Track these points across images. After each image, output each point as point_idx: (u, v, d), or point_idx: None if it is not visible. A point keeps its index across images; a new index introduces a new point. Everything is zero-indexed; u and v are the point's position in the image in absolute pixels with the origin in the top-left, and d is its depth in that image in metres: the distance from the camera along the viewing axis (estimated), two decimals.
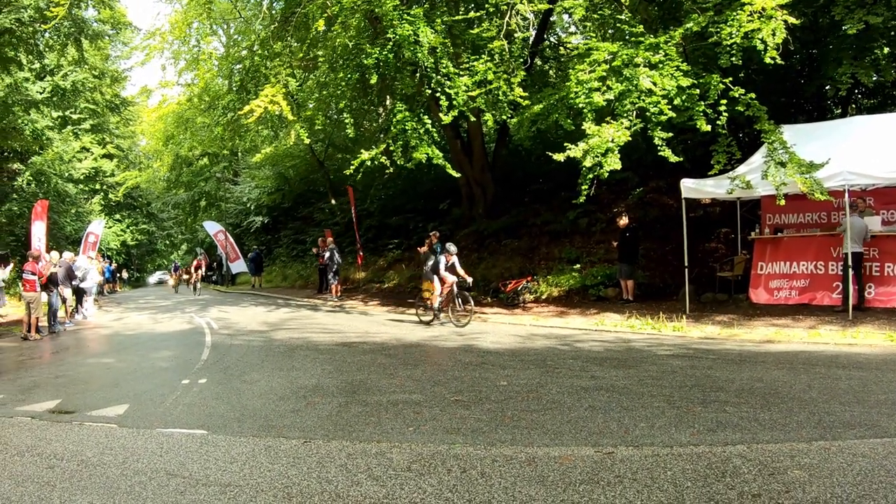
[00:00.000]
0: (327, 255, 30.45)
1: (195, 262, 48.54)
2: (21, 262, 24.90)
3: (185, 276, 66.58)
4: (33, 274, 20.76)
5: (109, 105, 53.17)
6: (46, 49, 34.93)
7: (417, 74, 20.83)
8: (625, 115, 17.00)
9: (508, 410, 9.19)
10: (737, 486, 6.03)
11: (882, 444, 7.13)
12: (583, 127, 17.22)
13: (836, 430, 7.71)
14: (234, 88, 26.76)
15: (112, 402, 10.72)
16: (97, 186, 62.84)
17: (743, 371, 11.48)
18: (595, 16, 19.89)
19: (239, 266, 50.05)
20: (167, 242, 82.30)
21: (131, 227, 67.76)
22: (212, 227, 53.17)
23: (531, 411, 9.10)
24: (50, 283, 22.34)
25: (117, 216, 65.99)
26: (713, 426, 8.03)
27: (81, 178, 58.86)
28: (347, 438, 8.10)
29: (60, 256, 23.86)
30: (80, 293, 25.39)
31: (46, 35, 31.96)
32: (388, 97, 28.95)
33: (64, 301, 24.31)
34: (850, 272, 16.58)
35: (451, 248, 20.18)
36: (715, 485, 6.10)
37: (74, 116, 56.89)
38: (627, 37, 18.21)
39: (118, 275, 58.76)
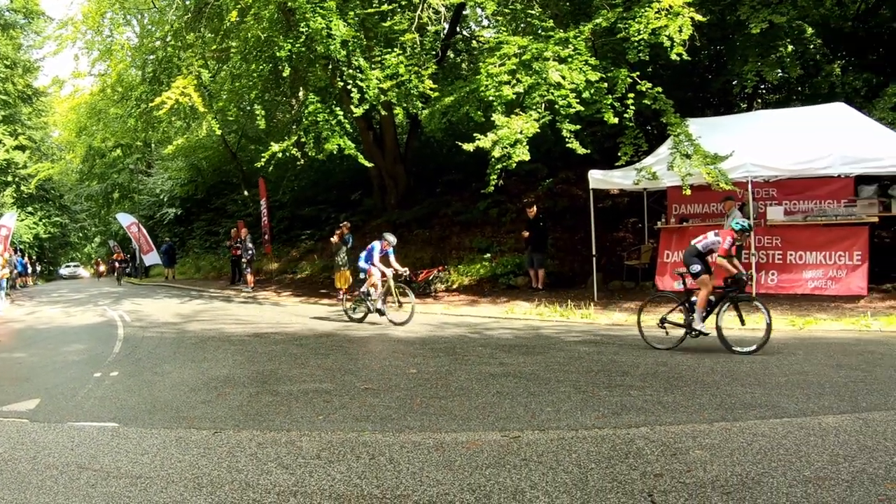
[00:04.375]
0: (240, 245, 30.30)
1: (117, 255, 47.70)
2: None
3: (102, 269, 65.97)
4: None
5: (21, 95, 52.17)
6: None
7: (330, 67, 20.86)
8: (534, 107, 17.21)
9: (417, 397, 9.34)
10: (640, 467, 6.22)
11: (781, 424, 7.42)
12: (492, 119, 17.39)
13: (738, 411, 8.00)
14: (147, 79, 26.46)
15: (23, 396, 10.60)
16: (9, 178, 61.43)
17: (648, 356, 11.75)
18: (507, 10, 20.09)
19: (152, 258, 49.33)
20: (80, 235, 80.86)
21: (44, 220, 66.28)
22: (125, 220, 52.33)
23: (440, 398, 9.26)
24: None
25: (29, 209, 64.54)
26: (618, 409, 8.24)
27: None
28: (258, 428, 8.17)
29: None
30: None
31: None
32: (300, 89, 28.84)
33: None
34: (751, 261, 17.07)
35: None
36: (618, 465, 6.28)
37: None
38: (538, 31, 18.42)
39: (31, 268, 57.70)
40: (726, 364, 10.80)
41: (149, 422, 8.76)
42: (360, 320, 18.42)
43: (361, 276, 18.63)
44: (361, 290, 18.10)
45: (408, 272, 19.15)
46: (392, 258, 18.11)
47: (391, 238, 18.08)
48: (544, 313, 17.69)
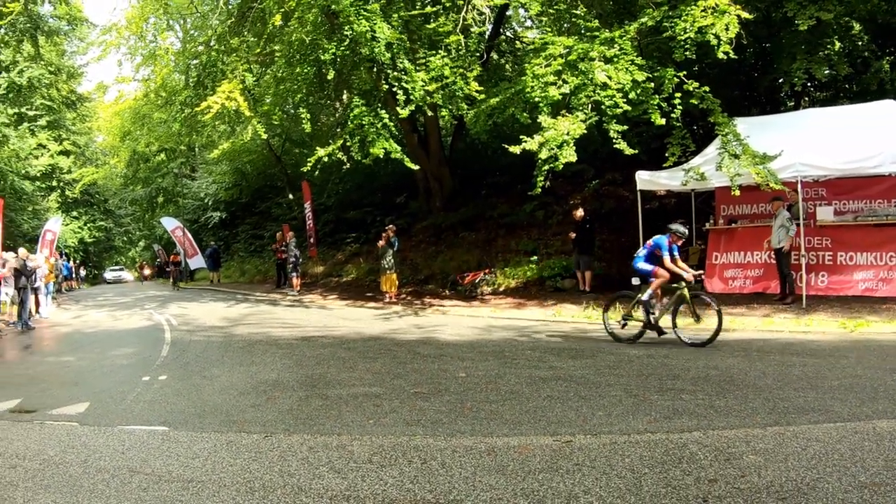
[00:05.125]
0: (286, 249, 30.42)
1: (173, 257, 47.47)
2: None
3: (147, 272, 66.30)
4: None
5: (66, 101, 52.50)
6: (2, 45, 34.59)
7: (374, 69, 20.87)
8: (580, 108, 17.12)
9: (468, 401, 9.30)
10: (693, 472, 6.13)
11: (835, 429, 7.29)
12: (538, 120, 17.31)
13: (791, 415, 7.88)
14: (191, 84, 26.64)
15: (73, 400, 10.65)
16: (54, 183, 62.15)
17: (699, 359, 11.62)
18: (551, 10, 19.97)
19: (197, 262, 49.62)
20: (125, 239, 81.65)
21: (88, 224, 66.97)
22: (169, 224, 52.72)
23: (490, 402, 9.21)
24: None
25: (74, 213, 65.23)
26: (669, 413, 8.15)
27: (38, 175, 58.09)
28: (308, 432, 8.15)
29: (16, 255, 23.57)
30: (24, 292, 24.73)
31: (2, 31, 31.65)
32: (345, 92, 28.93)
33: (14, 302, 23.90)
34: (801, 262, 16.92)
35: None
36: (672, 471, 6.19)
37: (30, 113, 56.00)
38: (583, 31, 18.35)
39: (77, 272, 58.22)
40: (778, 367, 10.66)
41: (199, 425, 8.78)
42: (634, 339, 14.11)
43: (635, 281, 14.77)
44: (641, 297, 14.22)
45: (702, 274, 16.95)
46: (677, 257, 14.04)
47: (682, 230, 14.30)
48: (592, 316, 17.54)
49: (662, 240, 13.72)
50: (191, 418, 9.19)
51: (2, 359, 16.72)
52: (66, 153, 62.80)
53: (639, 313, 13.89)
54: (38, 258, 26.59)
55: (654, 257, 13.81)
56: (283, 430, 8.28)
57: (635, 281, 14.36)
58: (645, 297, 13.81)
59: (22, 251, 24.60)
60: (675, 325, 13.40)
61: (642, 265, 14.08)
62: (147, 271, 66.36)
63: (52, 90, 49.13)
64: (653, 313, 13.76)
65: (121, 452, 7.75)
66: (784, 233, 17.05)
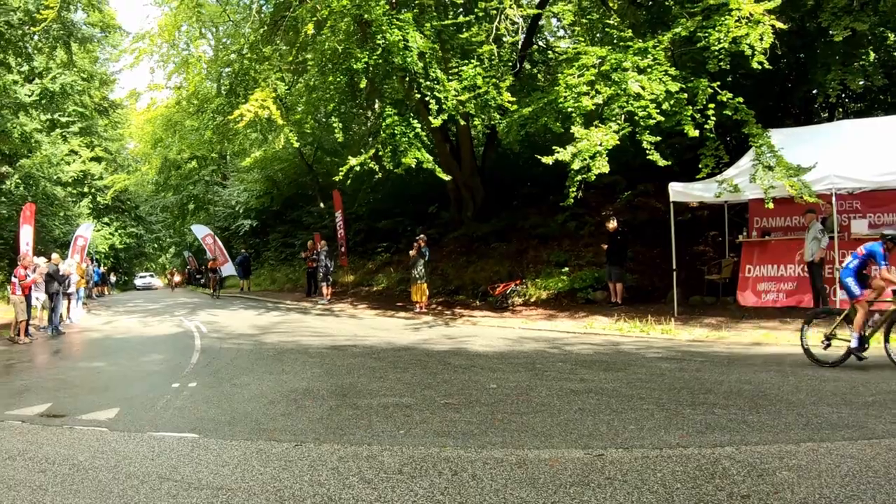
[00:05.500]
0: (318, 258, 30.46)
1: (212, 263, 45.66)
2: (10, 266, 24.78)
3: (177, 279, 66.40)
4: (17, 278, 20.76)
5: (98, 108, 53.01)
6: (35, 52, 34.89)
7: (406, 79, 20.89)
8: (613, 118, 17.08)
9: (498, 413, 9.24)
10: (726, 488, 6.06)
11: (870, 445, 7.19)
12: (571, 130, 17.26)
13: (825, 431, 7.78)
14: (224, 92, 26.83)
15: (102, 405, 10.67)
16: (85, 189, 62.64)
17: (731, 373, 11.53)
18: (584, 20, 19.97)
19: (227, 269, 49.90)
20: (155, 246, 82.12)
21: (119, 231, 67.50)
22: (200, 231, 53.04)
23: (521, 414, 9.14)
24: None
25: (105, 219, 65.77)
26: (702, 428, 8.07)
27: (70, 181, 58.57)
28: (338, 441, 8.11)
29: (49, 260, 23.71)
30: (56, 297, 24.74)
31: (35, 38, 31.93)
32: (376, 101, 28.95)
33: (45, 307, 24.00)
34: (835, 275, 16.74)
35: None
36: (704, 486, 6.13)
37: (63, 119, 56.47)
38: (616, 41, 18.31)
39: (107, 278, 58.54)
40: (812, 382, 10.54)
41: (228, 433, 8.77)
42: (836, 363, 11.96)
43: (842, 294, 13.59)
44: (863, 314, 11.95)
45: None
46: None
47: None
48: (624, 328, 17.50)
49: (877, 247, 12.14)
50: (221, 426, 9.19)
51: (32, 363, 16.80)
52: (97, 159, 63.33)
53: (845, 332, 12.17)
54: (70, 264, 26.72)
55: (862, 270, 12.25)
56: (314, 439, 8.27)
57: (841, 295, 13.59)
58: (859, 317, 11.89)
59: (55, 257, 24.79)
60: (887, 342, 11.72)
61: (851, 281, 12.13)
62: (177, 278, 66.36)
63: (85, 97, 49.55)
64: (863, 332, 11.86)
65: (150, 459, 7.76)
66: (816, 245, 16.92)
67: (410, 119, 20.04)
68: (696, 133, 16.78)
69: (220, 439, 8.46)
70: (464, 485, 6.44)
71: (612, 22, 19.01)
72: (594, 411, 9.07)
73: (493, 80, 18.81)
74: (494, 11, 19.60)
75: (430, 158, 19.64)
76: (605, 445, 7.52)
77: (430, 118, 19.09)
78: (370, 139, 26.38)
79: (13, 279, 21.02)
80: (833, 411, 8.63)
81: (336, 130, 21.71)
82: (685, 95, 16.93)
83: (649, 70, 17.08)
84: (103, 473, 7.22)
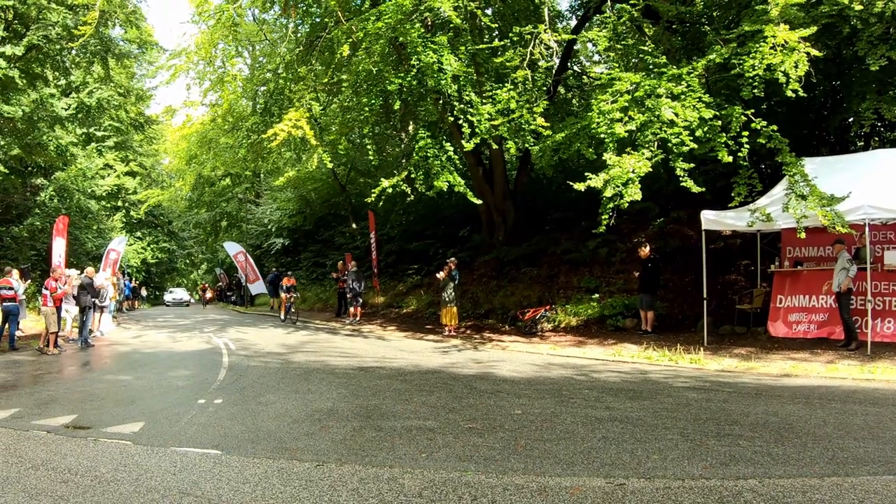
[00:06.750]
0: (348, 279, 30.49)
1: (286, 280, 35.78)
2: (42, 277, 24.97)
3: (209, 295, 66.51)
4: (48, 290, 20.94)
5: (133, 123, 53.25)
6: (73, 66, 35.19)
7: (440, 101, 20.93)
8: (646, 145, 16.99)
9: (522, 439, 9.17)
10: None
11: (894, 481, 7.11)
12: (604, 157, 17.21)
13: (850, 466, 7.70)
14: (258, 110, 26.98)
15: (128, 419, 10.76)
16: (119, 203, 63.24)
17: (759, 405, 11.42)
18: (618, 46, 19.94)
19: (258, 287, 50.13)
20: (187, 261, 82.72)
21: (152, 245, 68.01)
22: (232, 248, 53.42)
23: (544, 440, 9.07)
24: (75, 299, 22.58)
25: (138, 234, 66.33)
26: (726, 460, 7.99)
27: (104, 194, 59.11)
28: (360, 463, 8.10)
29: (81, 273, 23.87)
30: (86, 310, 24.79)
31: (73, 52, 32.25)
32: (410, 123, 29.06)
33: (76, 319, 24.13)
34: (867, 307, 16.60)
35: None
36: None
37: (99, 133, 57.20)
38: (650, 67, 18.24)
39: (138, 292, 58.89)
40: (839, 416, 10.42)
41: (251, 451, 8.79)
42: None
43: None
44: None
45: None
46: None
47: None
48: (652, 357, 17.37)
49: None
50: (244, 443, 9.20)
51: (60, 375, 16.88)
52: (132, 174, 63.96)
53: None
54: (105, 277, 26.91)
55: None
56: (335, 459, 8.26)
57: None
58: None
59: (89, 270, 24.96)
60: None
61: None
62: (209, 294, 66.58)
63: (121, 112, 49.87)
64: None
65: (172, 474, 7.80)
66: (844, 275, 16.79)
67: (444, 142, 20.06)
68: (730, 160, 16.63)
69: (242, 456, 8.49)
70: None
71: (646, 48, 18.96)
72: (618, 440, 8.99)
73: (527, 104, 18.81)
74: (529, 36, 19.60)
75: (462, 182, 19.67)
76: (627, 475, 7.47)
77: (463, 141, 19.10)
78: (403, 161, 26.43)
79: (44, 291, 21.21)
80: (859, 445, 8.53)
81: (370, 152, 21.82)
82: (719, 123, 16.83)
83: (683, 97, 17.01)
84: (125, 486, 7.28)
